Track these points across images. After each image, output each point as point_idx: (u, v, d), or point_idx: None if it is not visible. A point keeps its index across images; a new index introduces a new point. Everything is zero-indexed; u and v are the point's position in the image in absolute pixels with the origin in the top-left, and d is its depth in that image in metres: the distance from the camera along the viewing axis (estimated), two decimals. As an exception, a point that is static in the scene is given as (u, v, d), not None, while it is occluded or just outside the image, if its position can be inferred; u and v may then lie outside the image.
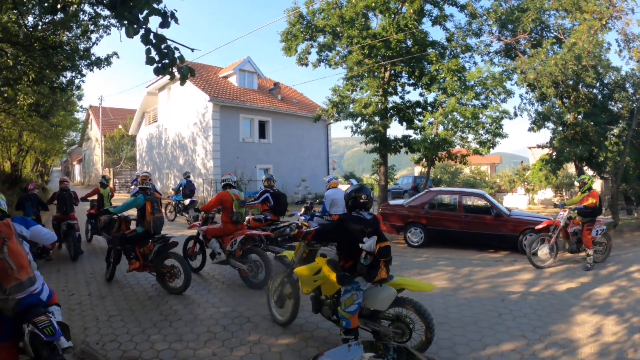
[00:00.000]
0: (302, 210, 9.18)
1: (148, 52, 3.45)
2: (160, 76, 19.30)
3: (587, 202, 8.23)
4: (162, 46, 3.46)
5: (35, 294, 3.16)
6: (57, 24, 9.40)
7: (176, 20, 3.39)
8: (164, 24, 3.39)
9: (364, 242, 3.82)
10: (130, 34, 3.30)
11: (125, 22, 3.33)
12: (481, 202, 10.67)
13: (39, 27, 9.73)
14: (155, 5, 3.42)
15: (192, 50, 3.79)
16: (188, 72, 3.55)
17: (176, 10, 3.46)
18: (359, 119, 15.52)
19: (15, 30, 8.89)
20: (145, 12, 3.37)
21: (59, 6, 4.21)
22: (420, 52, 14.61)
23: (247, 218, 8.31)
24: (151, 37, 3.44)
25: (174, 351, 4.46)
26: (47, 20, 9.55)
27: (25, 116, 14.53)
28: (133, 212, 6.89)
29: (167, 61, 3.51)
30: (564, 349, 4.56)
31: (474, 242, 10.18)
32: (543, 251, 8.22)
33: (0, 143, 19.03)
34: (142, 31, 3.38)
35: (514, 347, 4.61)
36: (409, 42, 14.98)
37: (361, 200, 4.06)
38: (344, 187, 9.72)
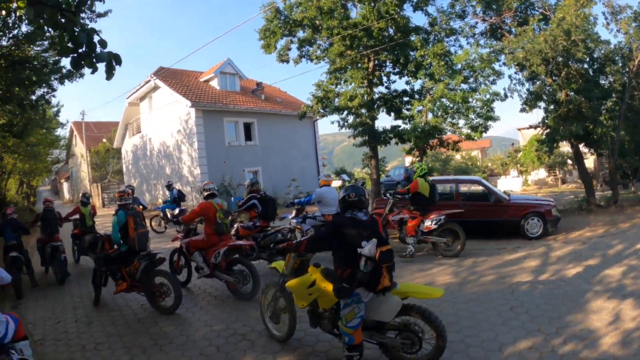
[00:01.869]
0: (294, 213, 8.77)
1: (61, 39, 2.66)
2: (138, 86, 18.48)
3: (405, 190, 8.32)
4: (75, 29, 2.64)
5: None
6: (21, 37, 8.90)
7: None
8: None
9: (363, 247, 3.43)
10: (31, 15, 2.54)
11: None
12: (478, 189, 10.39)
13: (3, 43, 9.23)
14: None
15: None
16: (112, 60, 2.73)
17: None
18: (345, 112, 15.21)
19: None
20: None
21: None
22: (404, 38, 14.25)
23: (235, 226, 8.02)
24: (59, 17, 2.61)
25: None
26: (10, 35, 9.04)
27: (-1, 137, 13.96)
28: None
29: (84, 49, 2.68)
30: (584, 342, 4.24)
31: (474, 231, 9.86)
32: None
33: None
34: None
35: (531, 344, 4.29)
36: (391, 30, 14.62)
37: (349, 199, 3.72)
38: (336, 183, 9.38)
